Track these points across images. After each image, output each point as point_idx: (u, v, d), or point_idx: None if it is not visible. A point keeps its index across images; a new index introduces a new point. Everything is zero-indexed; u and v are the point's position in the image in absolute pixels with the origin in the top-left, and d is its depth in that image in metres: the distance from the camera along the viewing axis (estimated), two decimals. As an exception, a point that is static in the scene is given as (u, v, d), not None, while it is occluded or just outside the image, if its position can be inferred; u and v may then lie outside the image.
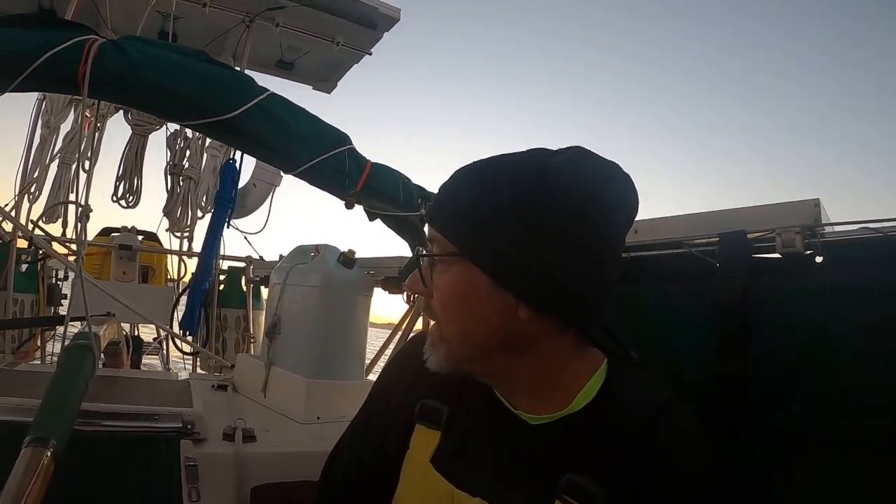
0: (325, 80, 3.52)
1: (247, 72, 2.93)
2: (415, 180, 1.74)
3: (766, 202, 1.06)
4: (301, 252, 1.87)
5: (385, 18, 2.93)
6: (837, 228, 0.95)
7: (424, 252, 0.75)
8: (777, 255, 0.97)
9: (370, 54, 3.20)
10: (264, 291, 3.18)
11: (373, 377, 1.90)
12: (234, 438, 1.23)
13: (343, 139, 1.56)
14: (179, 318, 3.06)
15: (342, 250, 1.81)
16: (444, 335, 0.73)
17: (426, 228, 0.81)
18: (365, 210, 1.72)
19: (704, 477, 0.66)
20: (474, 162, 0.72)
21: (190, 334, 2.97)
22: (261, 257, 3.23)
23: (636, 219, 0.73)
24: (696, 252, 1.05)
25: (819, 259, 0.94)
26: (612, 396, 0.70)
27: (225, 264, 3.32)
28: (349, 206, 1.63)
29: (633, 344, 0.82)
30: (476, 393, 0.77)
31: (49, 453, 0.73)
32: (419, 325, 1.90)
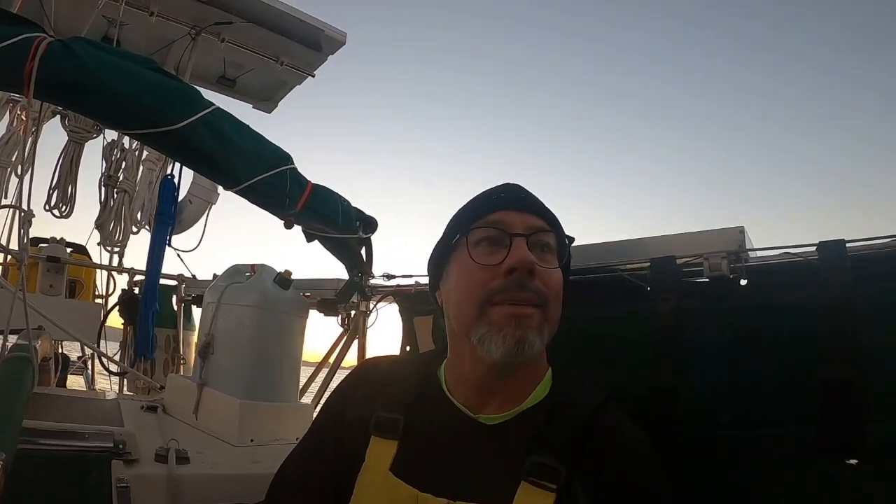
0: (267, 100, 3.49)
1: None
2: (354, 204, 1.76)
3: (695, 228, 1.12)
4: (236, 271, 1.85)
5: (331, 41, 2.95)
6: (760, 253, 1.03)
7: (550, 229, 0.82)
8: (705, 279, 1.04)
9: (313, 76, 3.20)
10: (196, 311, 3.09)
11: (306, 400, 1.90)
12: (167, 460, 1.20)
13: (285, 158, 1.57)
14: (128, 339, 2.94)
15: (279, 270, 1.81)
16: (550, 319, 0.79)
17: (523, 217, 0.81)
18: (303, 231, 1.73)
19: (648, 451, 0.77)
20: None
21: (145, 359, 2.83)
22: (193, 276, 3.13)
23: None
24: (629, 276, 1.13)
25: (744, 282, 1.02)
26: (560, 396, 0.81)
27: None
28: (288, 225, 1.64)
29: (572, 364, 0.88)
30: (433, 402, 0.83)
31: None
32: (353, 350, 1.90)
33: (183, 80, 1.49)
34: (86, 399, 1.77)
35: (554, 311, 0.79)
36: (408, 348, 1.73)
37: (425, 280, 1.61)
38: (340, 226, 1.71)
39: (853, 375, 0.85)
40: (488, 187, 0.89)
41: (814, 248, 0.95)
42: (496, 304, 0.76)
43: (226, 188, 1.54)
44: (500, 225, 0.79)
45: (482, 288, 0.77)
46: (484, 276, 0.77)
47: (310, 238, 1.75)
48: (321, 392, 1.96)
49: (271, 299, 1.71)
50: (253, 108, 3.54)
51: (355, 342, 1.87)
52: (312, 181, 1.64)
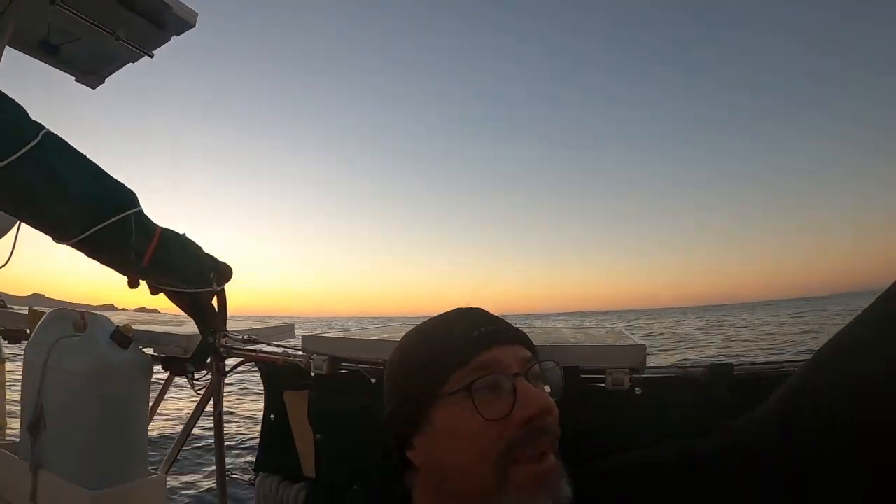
0: (93, 74, 2.95)
1: (5, 51, 2.35)
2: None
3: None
4: (60, 319, 1.54)
5: (178, 21, 2.53)
6: (653, 369, 1.15)
7: (535, 352, 0.79)
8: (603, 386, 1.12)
9: (151, 56, 2.74)
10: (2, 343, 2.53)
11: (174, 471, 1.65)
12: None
13: (130, 199, 1.28)
14: None
15: (114, 323, 1.52)
16: (560, 464, 0.72)
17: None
18: (148, 284, 1.45)
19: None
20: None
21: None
22: (2, 301, 2.39)
23: None
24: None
25: (638, 391, 1.12)
26: None
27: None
28: (133, 284, 1.37)
29: None
30: None
31: None
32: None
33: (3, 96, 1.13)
34: None
35: (558, 433, 0.73)
36: (272, 416, 1.56)
37: (295, 352, 1.44)
38: (192, 280, 1.46)
39: None
40: (446, 321, 0.80)
41: (705, 368, 1.11)
42: (515, 462, 0.67)
43: (56, 240, 1.23)
44: (496, 368, 0.70)
45: (495, 446, 0.66)
46: (494, 431, 0.67)
47: (155, 291, 1.47)
48: (171, 459, 1.71)
49: (111, 365, 1.44)
50: (76, 80, 2.98)
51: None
52: (161, 225, 1.37)
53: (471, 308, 0.82)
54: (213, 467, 1.73)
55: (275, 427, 1.54)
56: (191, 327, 1.66)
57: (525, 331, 0.98)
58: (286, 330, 2.00)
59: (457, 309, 0.83)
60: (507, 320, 0.84)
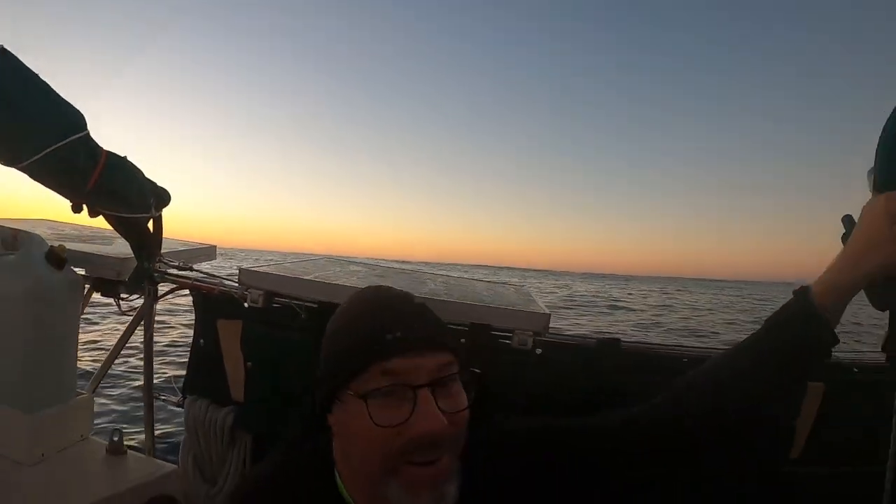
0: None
1: None
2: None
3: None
4: (-9, 235, 1.51)
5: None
6: (554, 335, 1.40)
7: (452, 374, 0.74)
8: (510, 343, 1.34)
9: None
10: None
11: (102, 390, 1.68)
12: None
13: (80, 122, 1.26)
14: None
15: (47, 241, 1.52)
16: (460, 446, 0.75)
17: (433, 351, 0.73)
18: (88, 206, 1.45)
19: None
20: (395, 290, 0.83)
21: None
22: None
23: None
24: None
25: (539, 351, 1.36)
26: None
27: None
28: (76, 209, 1.35)
29: None
30: None
31: None
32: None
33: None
34: None
35: (459, 448, 0.75)
36: (202, 341, 1.64)
37: (231, 282, 1.52)
38: (134, 204, 1.45)
39: None
40: (370, 310, 0.78)
41: (597, 340, 1.39)
42: (408, 461, 0.70)
43: (3, 163, 1.21)
44: (398, 378, 0.69)
45: (385, 450, 0.69)
46: (386, 436, 0.68)
47: (94, 214, 1.46)
48: (98, 379, 1.75)
49: (45, 286, 1.43)
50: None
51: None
52: (106, 148, 1.36)
53: (393, 297, 0.81)
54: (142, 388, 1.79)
55: (205, 353, 1.62)
56: (120, 248, 1.68)
57: (445, 284, 1.10)
58: (207, 251, 2.03)
59: (383, 293, 0.82)
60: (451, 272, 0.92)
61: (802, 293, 0.82)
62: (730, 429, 0.84)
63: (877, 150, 0.83)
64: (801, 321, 0.81)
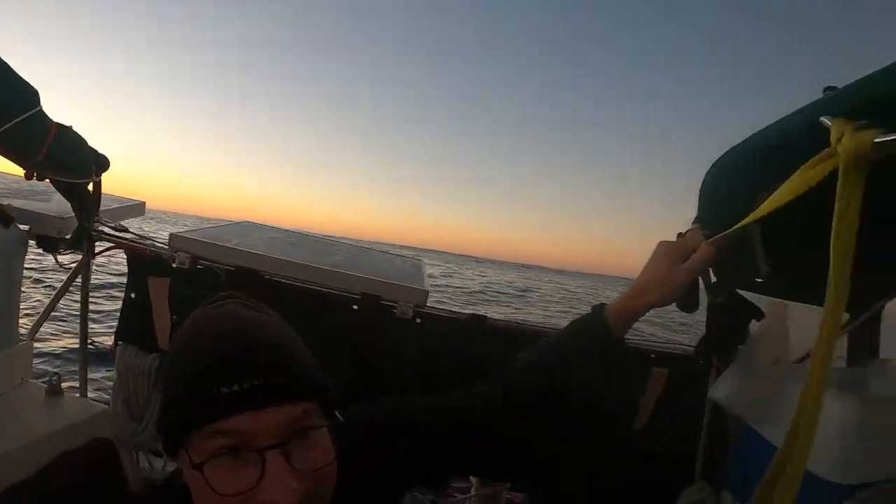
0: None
1: None
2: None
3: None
4: (-60, 193, 1.69)
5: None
6: (432, 308, 1.70)
7: (309, 427, 0.60)
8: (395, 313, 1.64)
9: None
10: None
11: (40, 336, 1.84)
12: None
13: (34, 98, 1.43)
14: None
15: (-6, 202, 1.71)
16: (327, 493, 0.63)
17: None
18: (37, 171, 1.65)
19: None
20: (240, 317, 0.64)
21: None
22: None
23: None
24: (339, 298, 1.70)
25: (419, 321, 1.66)
26: None
27: None
28: (28, 177, 1.53)
29: None
30: None
31: None
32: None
33: None
34: None
35: (329, 490, 0.63)
36: (133, 295, 1.86)
37: (162, 246, 1.75)
38: (79, 171, 1.66)
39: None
40: (199, 343, 0.62)
41: (468, 315, 1.68)
42: None
43: None
44: (239, 438, 0.57)
45: None
46: (233, 501, 0.57)
47: (41, 177, 1.64)
48: (37, 327, 1.94)
49: None
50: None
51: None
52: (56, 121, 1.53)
53: (237, 330, 0.62)
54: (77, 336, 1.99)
55: (136, 305, 1.85)
56: (58, 205, 1.87)
57: (348, 255, 1.32)
58: (137, 208, 2.23)
59: (225, 324, 0.63)
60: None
61: (599, 308, 0.94)
62: (550, 400, 0.90)
63: (699, 191, 0.97)
64: (591, 331, 0.92)
